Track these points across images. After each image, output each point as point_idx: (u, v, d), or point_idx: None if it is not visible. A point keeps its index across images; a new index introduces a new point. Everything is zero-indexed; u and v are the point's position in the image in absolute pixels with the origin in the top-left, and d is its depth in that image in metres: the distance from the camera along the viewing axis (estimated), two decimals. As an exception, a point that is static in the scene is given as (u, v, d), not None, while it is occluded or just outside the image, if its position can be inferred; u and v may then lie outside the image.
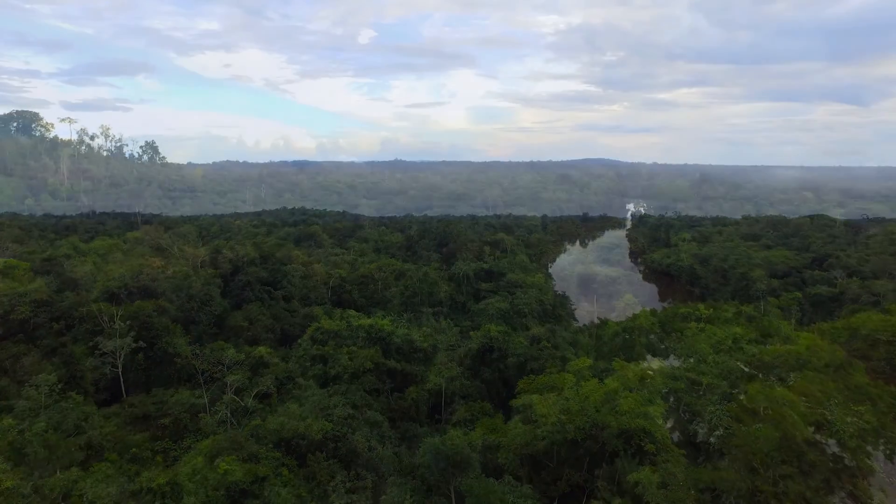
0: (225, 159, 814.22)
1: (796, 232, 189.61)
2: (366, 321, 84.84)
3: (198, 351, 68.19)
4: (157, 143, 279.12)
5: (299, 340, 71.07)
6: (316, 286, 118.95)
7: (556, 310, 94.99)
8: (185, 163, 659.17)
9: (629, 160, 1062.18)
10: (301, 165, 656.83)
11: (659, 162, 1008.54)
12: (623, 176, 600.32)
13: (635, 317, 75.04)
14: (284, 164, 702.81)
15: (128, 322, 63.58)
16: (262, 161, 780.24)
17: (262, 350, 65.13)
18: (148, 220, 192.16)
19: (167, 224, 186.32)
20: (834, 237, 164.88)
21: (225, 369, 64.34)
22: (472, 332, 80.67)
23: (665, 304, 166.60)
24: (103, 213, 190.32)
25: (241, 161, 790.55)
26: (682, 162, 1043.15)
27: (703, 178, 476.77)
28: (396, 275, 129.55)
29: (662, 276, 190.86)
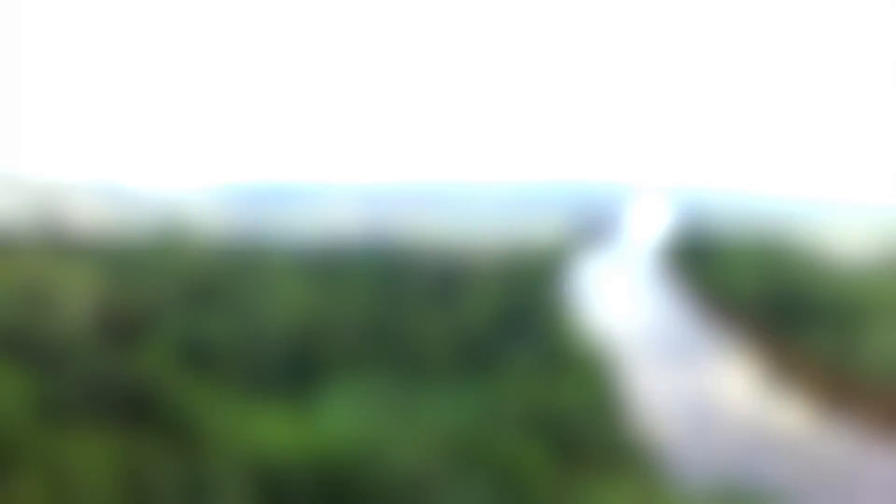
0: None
1: None
2: (295, 443, 49.39)
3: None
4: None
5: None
6: (262, 335, 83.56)
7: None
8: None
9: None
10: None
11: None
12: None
13: None
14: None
15: None
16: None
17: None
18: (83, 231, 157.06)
19: (113, 238, 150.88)
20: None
21: None
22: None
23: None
24: (20, 224, 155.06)
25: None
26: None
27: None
28: (367, 316, 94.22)
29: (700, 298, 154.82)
